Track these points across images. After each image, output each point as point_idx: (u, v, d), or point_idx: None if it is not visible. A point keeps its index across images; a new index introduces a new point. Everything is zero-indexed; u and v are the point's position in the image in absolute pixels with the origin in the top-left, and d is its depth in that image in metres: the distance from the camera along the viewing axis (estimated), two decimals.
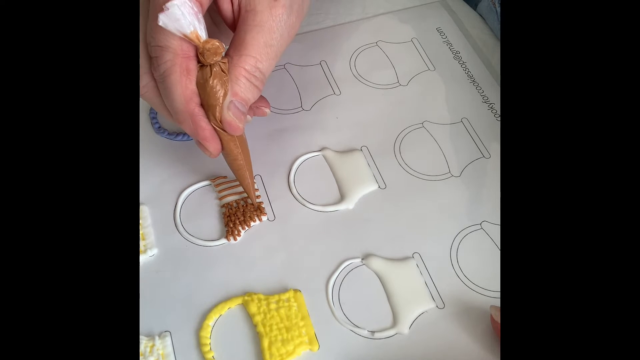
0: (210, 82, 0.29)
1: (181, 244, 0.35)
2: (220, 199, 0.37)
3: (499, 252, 0.35)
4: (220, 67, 0.29)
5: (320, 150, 0.40)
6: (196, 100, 0.30)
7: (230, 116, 0.30)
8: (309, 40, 0.46)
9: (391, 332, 0.32)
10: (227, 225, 0.36)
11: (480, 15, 0.48)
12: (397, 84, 0.44)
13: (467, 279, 0.34)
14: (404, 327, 0.32)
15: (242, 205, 0.37)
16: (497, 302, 0.33)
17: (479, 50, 0.46)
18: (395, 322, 0.32)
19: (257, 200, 0.37)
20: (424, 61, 0.45)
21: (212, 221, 0.36)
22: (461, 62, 0.45)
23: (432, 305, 0.33)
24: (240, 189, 0.37)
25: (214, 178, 0.38)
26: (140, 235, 0.35)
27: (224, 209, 0.37)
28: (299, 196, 0.37)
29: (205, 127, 0.31)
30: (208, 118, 0.30)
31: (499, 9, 0.45)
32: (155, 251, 0.35)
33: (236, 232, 0.35)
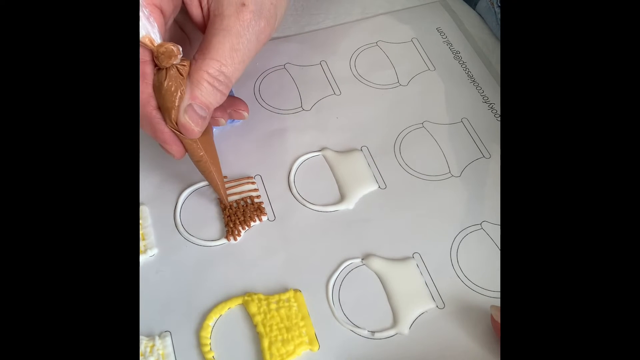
0: (165, 85, 0.29)
1: (181, 244, 0.35)
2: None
3: (499, 252, 0.35)
4: (178, 70, 0.29)
5: (320, 150, 0.40)
6: (153, 103, 0.30)
7: (185, 119, 0.30)
8: (309, 40, 0.46)
9: (391, 332, 0.32)
10: (227, 225, 0.36)
11: (480, 15, 0.48)
12: (397, 84, 0.44)
13: (467, 279, 0.34)
14: (404, 327, 0.32)
15: (242, 205, 0.37)
16: (497, 302, 0.33)
17: (479, 50, 0.46)
18: (395, 322, 0.32)
19: (257, 200, 0.37)
20: (424, 61, 0.45)
21: (212, 221, 0.36)
22: (461, 62, 0.45)
23: (432, 305, 0.33)
24: (241, 189, 0.37)
25: None
26: (140, 235, 0.35)
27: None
28: (299, 196, 0.37)
29: (163, 130, 0.31)
30: (165, 121, 0.30)
31: (497, 9, 0.45)
32: (155, 251, 0.35)
33: (236, 232, 0.35)
